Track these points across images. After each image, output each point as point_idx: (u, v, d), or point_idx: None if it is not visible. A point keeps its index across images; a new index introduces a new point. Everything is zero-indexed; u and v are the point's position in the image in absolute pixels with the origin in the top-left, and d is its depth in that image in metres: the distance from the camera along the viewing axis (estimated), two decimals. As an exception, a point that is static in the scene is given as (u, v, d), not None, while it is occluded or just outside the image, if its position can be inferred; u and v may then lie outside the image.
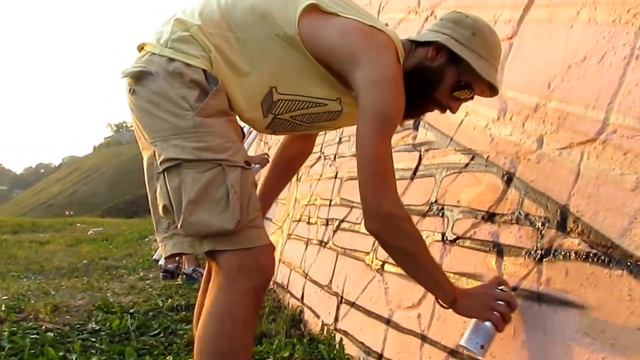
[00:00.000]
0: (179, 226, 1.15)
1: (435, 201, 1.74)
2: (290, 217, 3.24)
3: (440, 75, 1.27)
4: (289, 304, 2.80)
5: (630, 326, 1.00)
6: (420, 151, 1.93)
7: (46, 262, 5.35)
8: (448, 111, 1.35)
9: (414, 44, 1.32)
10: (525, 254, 1.31)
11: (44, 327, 2.40)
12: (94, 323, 2.57)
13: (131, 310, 2.80)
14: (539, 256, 1.26)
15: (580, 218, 1.19)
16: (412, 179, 1.93)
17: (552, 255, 1.23)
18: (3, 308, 2.74)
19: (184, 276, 3.86)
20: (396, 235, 1.18)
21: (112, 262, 5.02)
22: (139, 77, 1.18)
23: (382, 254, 1.96)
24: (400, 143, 2.07)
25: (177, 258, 3.89)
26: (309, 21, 1.21)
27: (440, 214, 1.69)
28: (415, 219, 1.82)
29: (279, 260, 3.22)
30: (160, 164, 1.16)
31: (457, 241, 1.57)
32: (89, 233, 10.94)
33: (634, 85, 1.16)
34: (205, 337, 1.15)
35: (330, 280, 2.33)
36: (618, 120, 1.17)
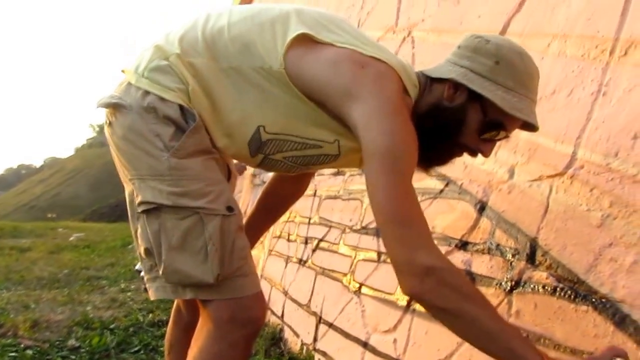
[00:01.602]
0: (160, 272, 1.07)
1: (411, 225, 1.74)
2: (270, 233, 3.23)
3: (461, 116, 1.07)
4: (269, 321, 2.79)
5: (582, 340, 1.01)
6: (397, 174, 1.93)
7: (27, 272, 5.27)
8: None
9: (429, 79, 1.13)
10: (496, 284, 1.31)
11: (22, 345, 2.36)
12: (74, 339, 2.53)
13: (111, 326, 2.77)
14: (509, 287, 1.27)
15: (549, 252, 1.20)
16: (389, 201, 1.93)
17: (521, 287, 1.24)
18: (-20, 324, 2.70)
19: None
20: (442, 292, 0.90)
21: (93, 272, 4.97)
22: (114, 109, 1.09)
23: (360, 275, 1.96)
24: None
25: None
26: (297, 54, 1.05)
27: (416, 239, 1.69)
28: (391, 242, 1.83)
29: (261, 276, 3.20)
30: (138, 205, 1.07)
31: (432, 267, 1.57)
32: (70, 239, 10.83)
33: (600, 122, 1.17)
34: None
35: (310, 300, 2.32)
36: (585, 155, 1.18)
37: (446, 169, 1.66)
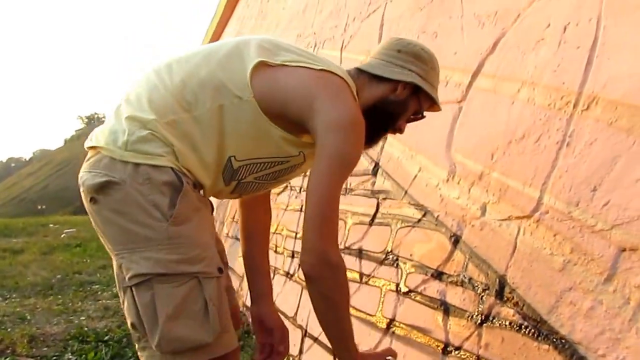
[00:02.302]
0: (153, 345, 1.06)
1: (391, 251, 1.80)
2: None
3: (406, 106, 1.28)
4: (257, 330, 2.85)
5: None
6: (378, 199, 1.99)
7: (20, 277, 5.28)
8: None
9: (372, 77, 1.27)
10: (468, 316, 1.39)
11: (21, 362, 2.41)
12: (70, 354, 2.58)
13: (106, 338, 2.82)
14: (479, 320, 1.34)
15: (516, 290, 1.27)
16: (370, 224, 1.99)
17: (490, 322, 1.31)
18: (-22, 340, 2.74)
19: None
20: (334, 284, 1.10)
21: (85, 276, 4.99)
22: (104, 187, 1.07)
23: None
24: (360, 187, 2.13)
25: None
26: (259, 80, 1.13)
27: (395, 265, 1.76)
28: (372, 265, 1.89)
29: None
30: (129, 279, 1.06)
31: (410, 294, 1.64)
32: (62, 236, 10.80)
33: (564, 171, 1.24)
34: None
35: (296, 313, 2.39)
36: (550, 201, 1.25)
37: (423, 200, 1.73)
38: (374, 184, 2.06)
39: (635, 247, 1.02)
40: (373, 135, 1.26)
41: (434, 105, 1.33)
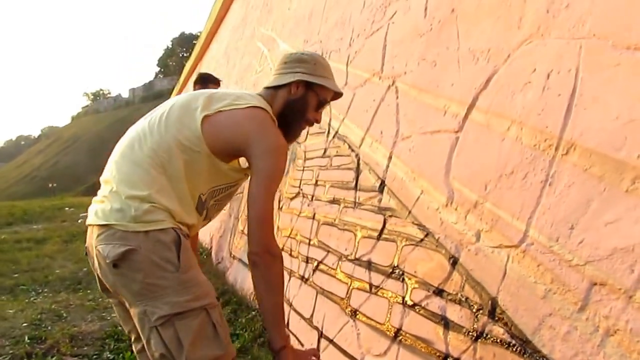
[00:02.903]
0: None
1: (397, 266, 1.97)
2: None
3: (305, 100, 1.60)
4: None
5: None
6: (384, 215, 2.15)
7: (49, 270, 5.55)
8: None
9: (273, 89, 1.61)
10: (465, 332, 1.56)
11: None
12: (108, 352, 2.81)
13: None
14: (474, 337, 1.51)
15: (505, 311, 1.43)
16: (378, 239, 2.16)
17: (484, 338, 1.48)
18: (27, 339, 2.97)
19: None
20: (274, 271, 1.43)
21: None
22: (123, 255, 1.31)
23: (354, 302, 2.20)
24: (368, 203, 2.29)
25: None
26: (205, 130, 1.43)
27: (401, 279, 1.93)
28: (380, 277, 2.07)
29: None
30: (155, 321, 1.32)
31: (415, 307, 1.81)
32: (78, 221, 11.16)
33: (547, 208, 1.39)
34: None
35: (312, 315, 2.57)
36: (534, 234, 1.40)
37: (425, 221, 1.89)
38: (380, 200, 2.21)
39: (604, 282, 1.18)
40: (292, 132, 1.62)
41: (335, 92, 1.66)
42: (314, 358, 1.57)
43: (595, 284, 1.20)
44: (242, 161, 1.54)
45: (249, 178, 1.47)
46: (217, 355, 1.37)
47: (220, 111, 1.46)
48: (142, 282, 1.32)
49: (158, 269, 1.32)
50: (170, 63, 79.97)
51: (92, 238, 1.42)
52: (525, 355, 1.34)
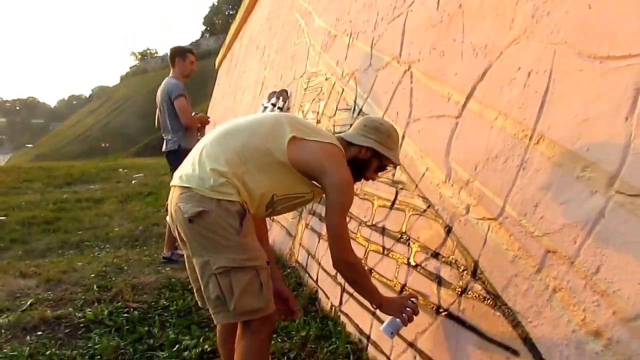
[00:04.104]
0: (230, 308, 1.64)
1: (405, 232, 2.28)
2: (307, 210, 3.82)
3: (368, 163, 1.92)
4: (307, 282, 3.43)
5: (495, 334, 1.58)
6: (396, 188, 2.45)
7: (108, 229, 6.13)
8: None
9: (347, 142, 1.91)
10: (453, 288, 1.87)
11: (131, 308, 3.10)
12: (164, 300, 3.26)
13: (189, 287, 3.47)
14: (459, 292, 1.82)
15: (484, 272, 1.73)
16: (390, 208, 2.47)
17: (466, 293, 1.79)
18: (95, 288, 3.47)
19: (165, 260, 4.36)
20: (353, 273, 1.83)
21: (162, 229, 5.66)
22: (199, 214, 1.62)
23: (371, 261, 2.54)
24: (384, 176, 2.59)
25: (171, 251, 4.40)
26: (291, 148, 1.74)
27: (407, 243, 2.24)
28: (391, 242, 2.39)
29: (299, 244, 3.83)
30: (215, 269, 1.63)
31: (417, 267, 2.13)
32: (132, 182, 11.88)
33: (519, 189, 1.66)
34: None
35: (336, 273, 2.93)
36: (509, 210, 1.68)
37: (428, 194, 2.18)
38: (394, 175, 2.51)
39: (555, 250, 1.46)
40: (354, 179, 1.88)
41: (394, 162, 1.97)
42: (411, 300, 1.89)
43: (549, 251, 1.48)
44: None
45: (326, 208, 1.79)
46: (259, 307, 1.67)
47: (306, 140, 1.77)
48: (210, 238, 1.63)
49: (223, 230, 1.62)
50: (217, 21, 79.98)
51: (173, 196, 1.73)
52: (495, 307, 1.64)
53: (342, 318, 2.73)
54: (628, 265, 1.21)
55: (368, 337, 2.42)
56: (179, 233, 1.75)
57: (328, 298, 2.98)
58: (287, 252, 4.13)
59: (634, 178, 1.24)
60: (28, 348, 2.57)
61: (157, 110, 4.50)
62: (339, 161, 1.80)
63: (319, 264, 3.23)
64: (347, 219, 2.97)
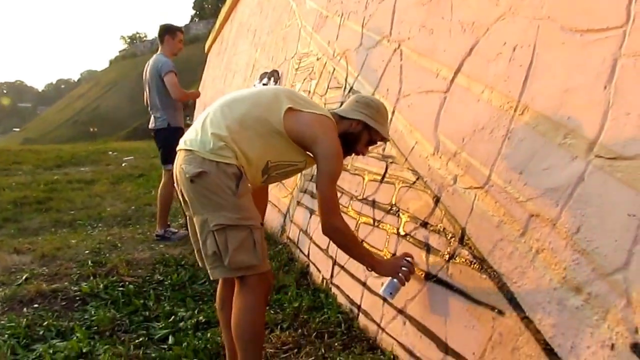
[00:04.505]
0: (225, 263, 1.73)
1: (395, 204, 2.35)
2: (298, 187, 3.88)
3: (359, 137, 2.01)
4: (298, 258, 3.49)
5: (481, 296, 1.66)
6: (386, 162, 2.51)
7: (100, 208, 6.14)
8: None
9: (339, 116, 2.00)
10: (441, 254, 1.94)
11: (126, 282, 3.14)
12: (158, 275, 3.30)
13: (182, 262, 3.53)
14: (447, 257, 1.90)
15: (470, 238, 1.80)
16: (380, 182, 2.53)
17: (454, 259, 1.86)
18: (90, 264, 3.51)
19: (158, 237, 4.39)
20: (341, 238, 1.93)
21: (154, 208, 5.62)
22: (199, 174, 1.71)
23: (362, 233, 2.61)
24: (374, 151, 2.64)
25: (164, 229, 4.46)
26: (287, 118, 1.83)
27: (397, 215, 2.31)
28: (381, 214, 2.45)
29: (290, 221, 3.89)
30: (213, 227, 1.71)
31: (406, 237, 2.20)
32: (123, 165, 11.86)
33: (504, 158, 1.73)
34: (242, 323, 1.79)
35: (327, 247, 3.00)
36: (494, 178, 1.75)
37: (417, 167, 2.24)
38: (384, 149, 2.57)
39: (538, 214, 1.53)
40: (345, 153, 1.96)
41: (384, 137, 2.05)
42: (406, 259, 1.98)
43: (533, 215, 1.55)
44: None
45: (316, 176, 1.87)
46: (252, 263, 1.75)
47: (302, 111, 1.86)
48: (209, 197, 1.72)
49: (221, 191, 1.71)
50: (206, 6, 79.09)
51: (178, 159, 1.81)
52: (482, 271, 1.72)
53: (334, 290, 2.81)
54: (606, 224, 1.28)
55: (359, 307, 2.49)
56: (182, 194, 1.84)
57: (319, 271, 3.05)
58: (278, 230, 4.19)
59: (612, 142, 1.31)
60: (25, 319, 2.61)
61: (146, 87, 4.50)
62: (330, 132, 1.88)
63: (311, 238, 3.29)
64: (339, 194, 3.05)
